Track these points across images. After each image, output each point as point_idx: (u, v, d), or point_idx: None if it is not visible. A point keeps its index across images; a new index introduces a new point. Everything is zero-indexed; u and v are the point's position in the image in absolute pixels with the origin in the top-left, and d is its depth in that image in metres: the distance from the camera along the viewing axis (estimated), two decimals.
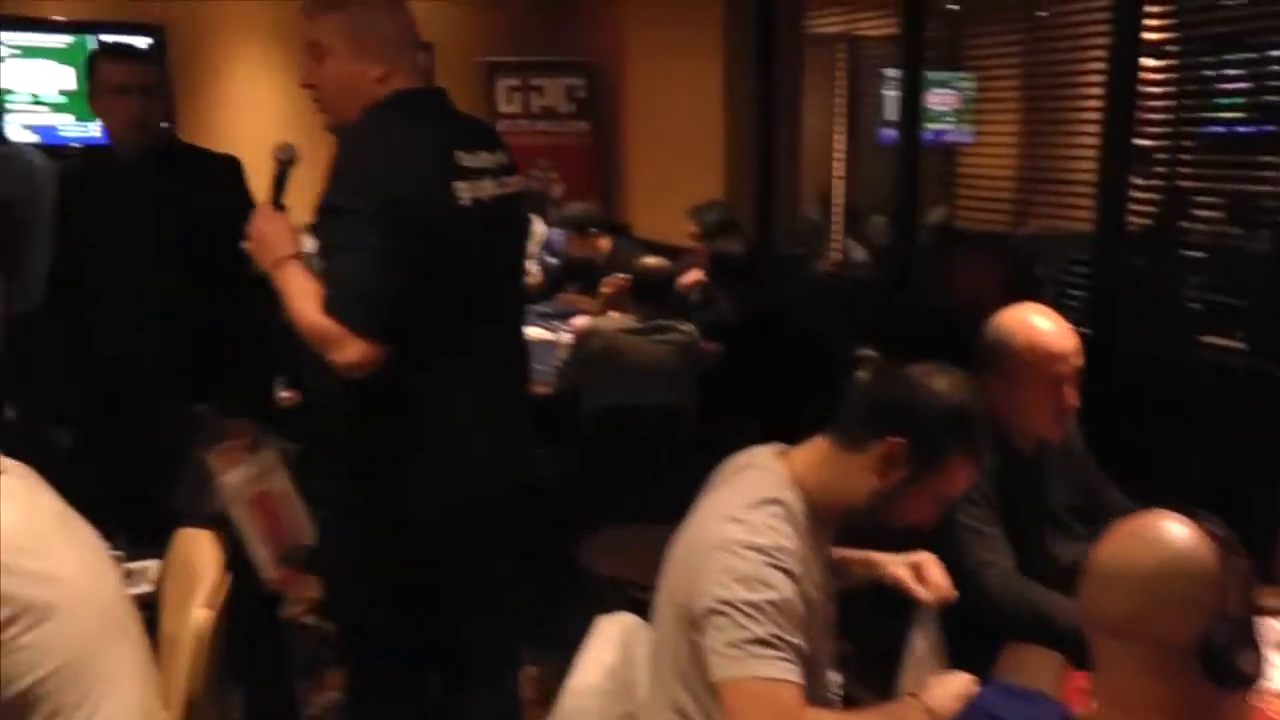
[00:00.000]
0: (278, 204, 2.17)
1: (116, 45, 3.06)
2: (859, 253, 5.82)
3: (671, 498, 3.52)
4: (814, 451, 1.89)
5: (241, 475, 2.69)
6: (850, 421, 1.86)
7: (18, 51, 6.71)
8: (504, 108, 7.80)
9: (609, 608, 2.09)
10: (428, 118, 2.16)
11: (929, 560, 2.02)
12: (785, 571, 1.71)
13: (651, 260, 4.10)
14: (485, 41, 7.93)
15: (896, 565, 2.02)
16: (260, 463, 2.75)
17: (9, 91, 6.53)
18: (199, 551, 2.14)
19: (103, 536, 1.96)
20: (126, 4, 7.03)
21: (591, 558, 3.19)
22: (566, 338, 4.29)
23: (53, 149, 4.96)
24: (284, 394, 3.24)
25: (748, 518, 1.76)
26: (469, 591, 2.40)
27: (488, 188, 2.17)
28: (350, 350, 1.95)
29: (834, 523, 1.90)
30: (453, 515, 2.22)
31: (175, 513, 2.87)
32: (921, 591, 1.97)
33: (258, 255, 2.10)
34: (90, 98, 2.93)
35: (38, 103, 6.64)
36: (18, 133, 6.47)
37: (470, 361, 2.19)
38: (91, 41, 6.78)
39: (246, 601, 2.16)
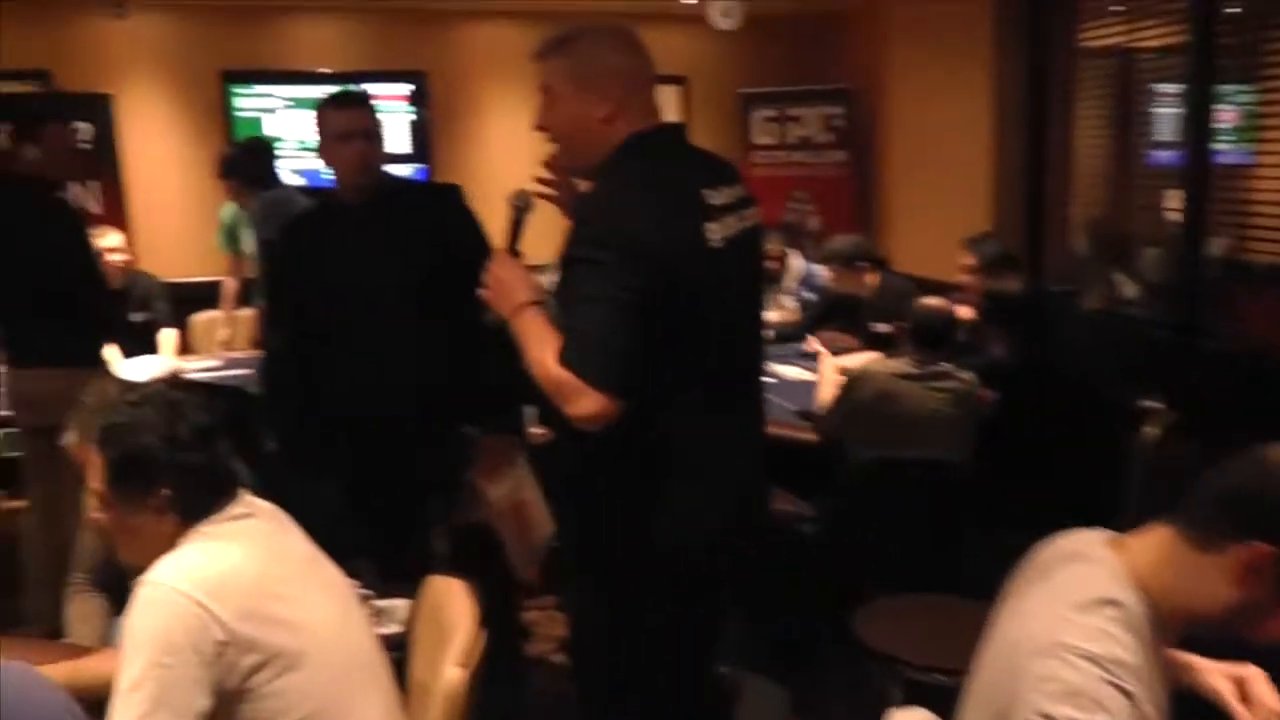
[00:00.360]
0: (514, 250, 2.15)
1: (339, 93, 3.08)
2: (1129, 289, 5.25)
3: (948, 566, 3.21)
4: (1155, 545, 1.58)
5: (504, 489, 2.91)
6: (1202, 515, 1.53)
7: (289, 103, 7.15)
8: (759, 139, 7.64)
9: (881, 685, 1.88)
10: (671, 158, 2.13)
11: (1255, 676, 1.73)
12: (1122, 690, 1.42)
13: (932, 300, 3.75)
14: (740, 72, 7.79)
15: (1217, 676, 1.76)
16: (515, 475, 2.95)
17: (279, 139, 6.89)
18: (452, 601, 2.11)
19: (353, 571, 1.97)
20: (390, 53, 7.33)
21: (863, 629, 2.84)
22: (831, 378, 4.01)
23: (317, 191, 5.22)
24: (536, 430, 3.19)
25: (1081, 620, 1.48)
26: (705, 635, 2.34)
27: (732, 224, 2.10)
28: (585, 403, 1.90)
29: (1178, 632, 1.60)
30: (696, 559, 2.16)
31: (427, 543, 3.11)
32: (1243, 712, 1.70)
33: (495, 302, 2.08)
34: (318, 146, 3.02)
35: (304, 149, 7.00)
36: (288, 176, 6.71)
37: (714, 402, 2.13)
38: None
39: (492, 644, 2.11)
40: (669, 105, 7.70)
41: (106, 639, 2.55)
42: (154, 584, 1.67)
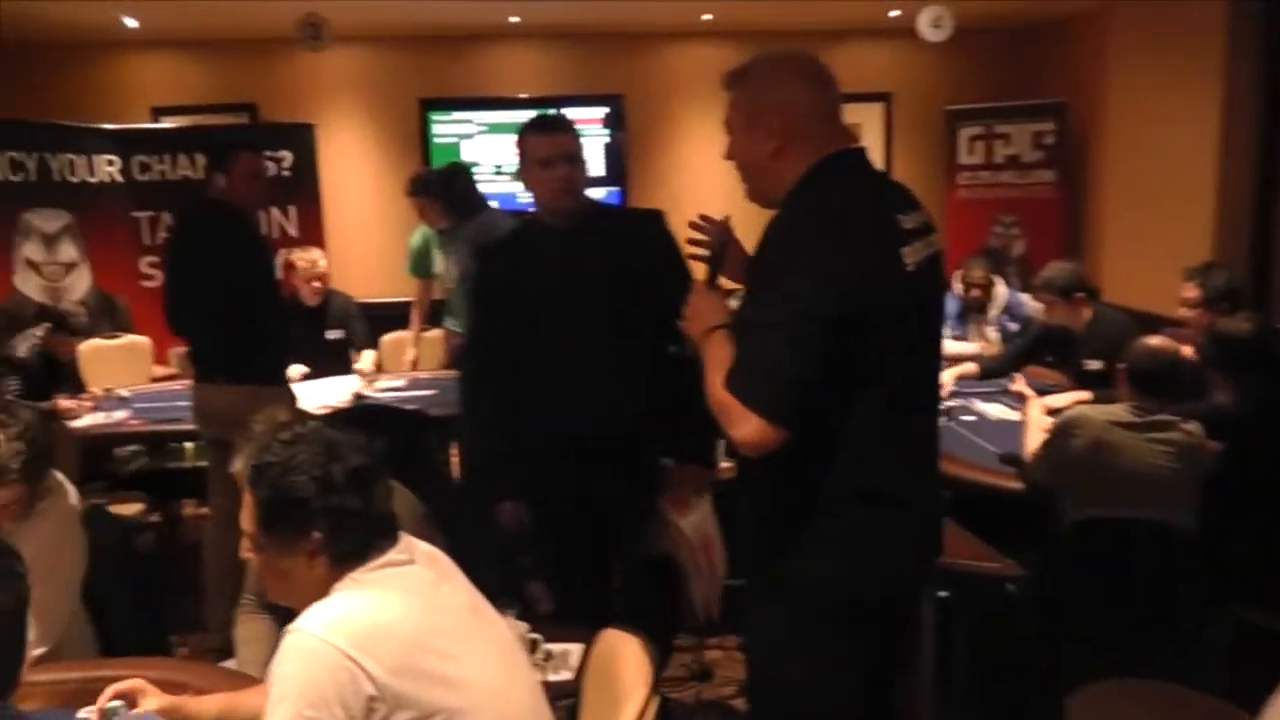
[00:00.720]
0: (713, 283, 2.18)
1: (542, 118, 3.04)
2: None
3: (1171, 643, 2.86)
4: None
5: (693, 521, 2.88)
6: None
7: (484, 128, 7.25)
8: (965, 158, 7.26)
9: None
10: (862, 183, 2.11)
11: None
12: None
13: (1155, 340, 3.35)
14: (947, 87, 7.48)
15: None
16: (703, 508, 2.91)
17: (475, 164, 6.99)
18: (627, 659, 2.00)
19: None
20: (586, 77, 7.35)
21: (1078, 717, 2.50)
22: (1039, 421, 3.68)
23: (519, 214, 5.24)
24: (724, 464, 3.12)
25: None
26: (888, 669, 2.29)
27: (921, 249, 2.05)
28: (746, 428, 1.91)
29: None
30: (884, 595, 2.13)
31: (608, 570, 3.14)
32: None
33: (690, 327, 2.11)
34: (520, 172, 3.02)
35: (499, 173, 7.10)
36: None
37: (901, 431, 2.09)
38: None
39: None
40: (871, 123, 7.48)
41: (269, 660, 2.54)
42: (303, 633, 1.59)
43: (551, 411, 2.95)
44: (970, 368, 4.72)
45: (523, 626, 2.29)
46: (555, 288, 2.92)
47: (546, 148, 2.88)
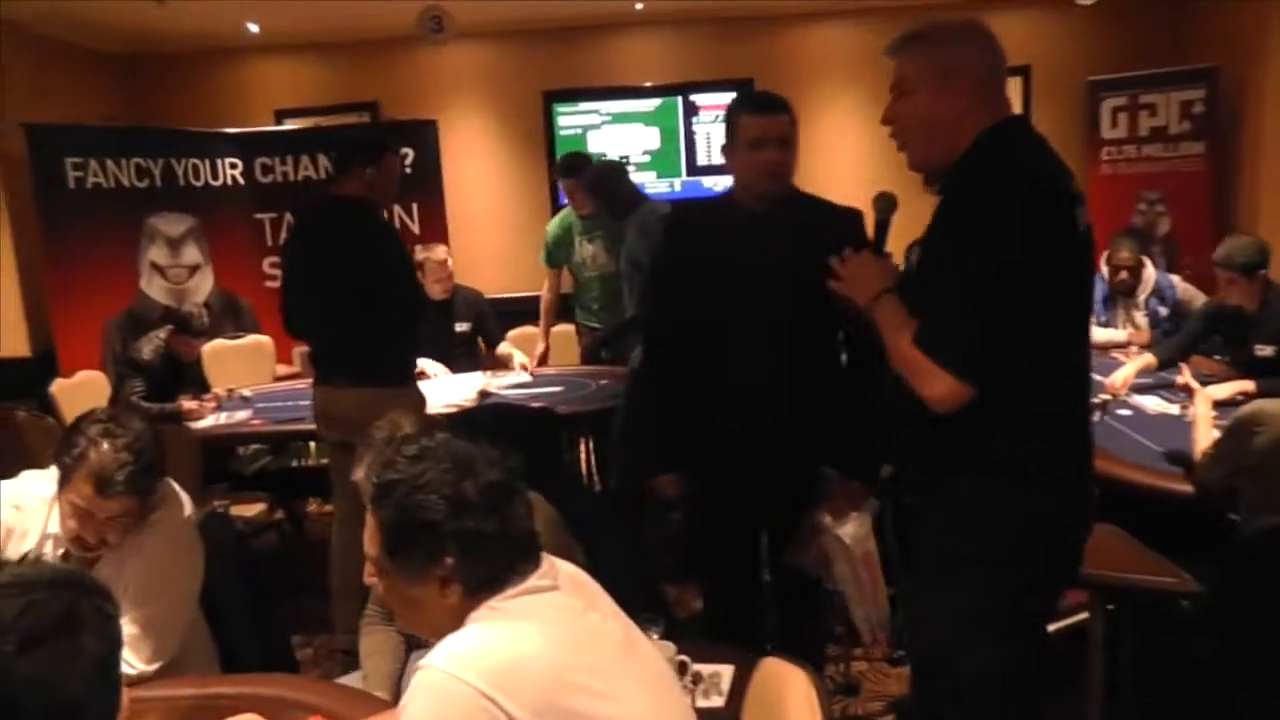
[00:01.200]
0: (879, 251, 2.27)
1: (759, 97, 2.97)
2: None
3: None
4: None
5: (853, 533, 2.81)
6: None
7: (609, 118, 7.11)
8: (1108, 132, 6.87)
9: None
10: (1041, 147, 2.11)
11: None
12: None
13: None
14: (1088, 57, 7.08)
15: None
16: (863, 523, 2.84)
17: (601, 154, 6.88)
18: (792, 691, 1.80)
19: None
20: (714, 61, 7.14)
21: None
22: (1208, 417, 3.28)
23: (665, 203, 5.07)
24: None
25: None
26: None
27: (1083, 215, 2.08)
28: (936, 384, 1.98)
29: None
30: (1065, 570, 2.21)
31: (757, 572, 3.05)
32: None
33: (853, 291, 2.19)
34: (727, 148, 2.92)
35: (625, 163, 6.90)
36: None
37: (1077, 401, 2.17)
38: (679, 103, 7.01)
39: None
40: (1011, 96, 7.07)
41: (398, 675, 2.43)
42: (434, 670, 1.42)
43: (715, 401, 2.88)
44: (1148, 359, 4.27)
45: (670, 648, 2.08)
46: (740, 270, 2.82)
47: (759, 128, 2.79)
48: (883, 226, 2.29)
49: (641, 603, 1.71)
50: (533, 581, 1.52)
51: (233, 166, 6.72)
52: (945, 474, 2.12)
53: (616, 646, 1.56)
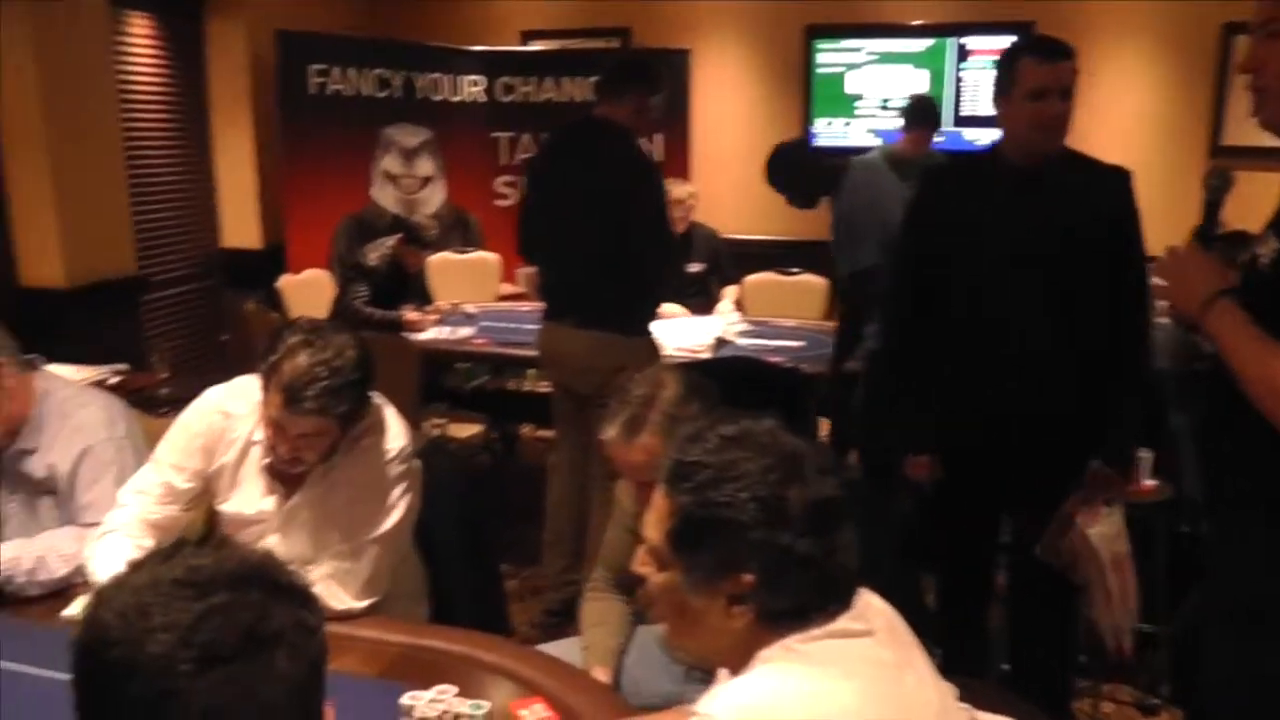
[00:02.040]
0: (1209, 238, 1.84)
1: (1039, 41, 2.71)
2: None
3: None
4: None
5: (1102, 532, 2.59)
6: None
7: (874, 58, 6.57)
8: None
9: None
10: None
11: None
12: None
13: None
14: None
15: None
16: (1114, 521, 2.63)
17: (858, 96, 6.47)
18: None
19: None
20: (992, 4, 6.49)
21: None
22: None
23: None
24: (1148, 483, 3.05)
25: None
26: None
27: None
28: None
29: None
30: None
31: (992, 565, 2.84)
32: None
33: (1177, 296, 1.77)
34: (999, 94, 2.62)
35: (884, 107, 6.45)
36: (861, 136, 6.41)
37: None
38: (951, 45, 6.44)
39: None
40: None
41: (620, 652, 2.15)
42: None
43: (969, 378, 2.65)
44: None
45: (951, 692, 1.66)
46: (1003, 235, 2.58)
47: (1044, 77, 2.51)
48: (1213, 209, 1.89)
49: (907, 614, 1.32)
50: (844, 623, 1.22)
51: (474, 84, 6.61)
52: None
53: (932, 716, 1.23)
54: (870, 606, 1.25)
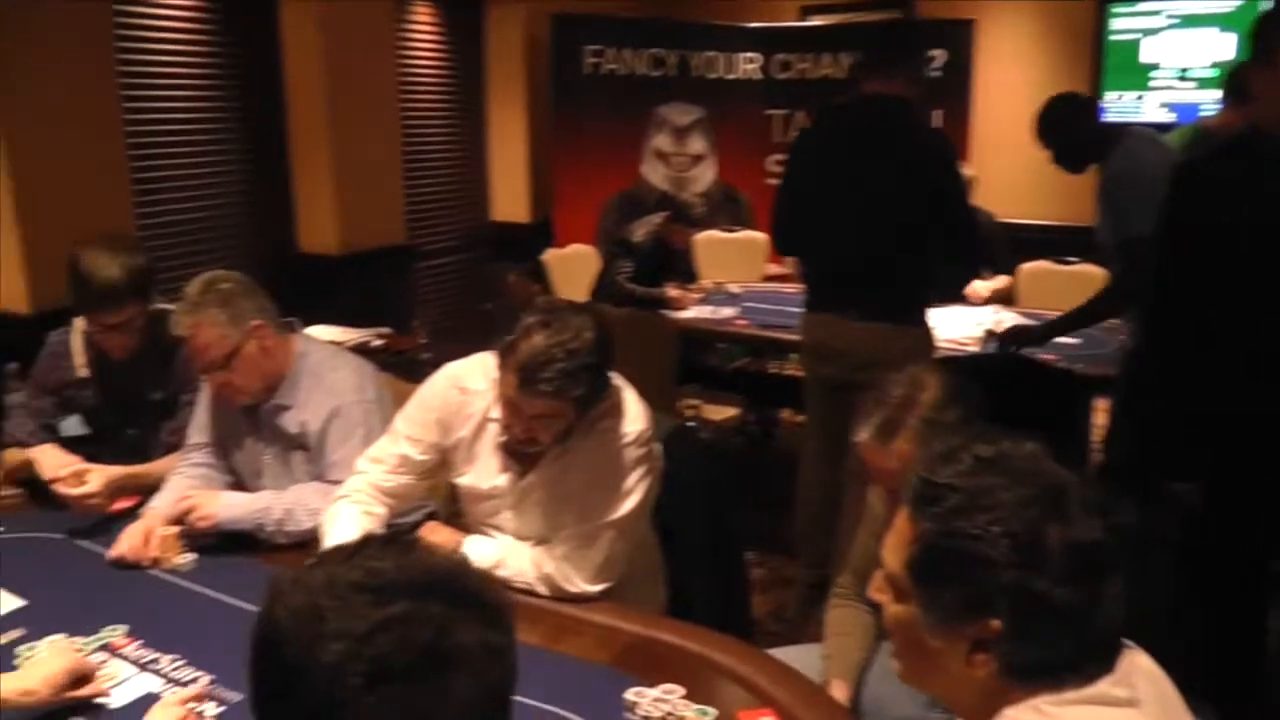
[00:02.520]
0: None
1: None
2: None
3: None
4: None
5: None
6: None
7: (1175, 21, 6.01)
8: None
9: None
10: None
11: None
12: None
13: None
14: None
15: None
16: None
17: (1153, 66, 5.96)
18: None
19: None
20: None
21: None
22: None
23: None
24: None
25: None
26: None
27: None
28: None
29: None
30: None
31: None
32: None
33: None
34: (1252, 64, 2.36)
35: (1182, 77, 5.91)
36: (1155, 111, 5.94)
37: None
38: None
39: None
40: None
41: (863, 666, 2.02)
42: None
43: (1247, 396, 2.34)
44: None
45: None
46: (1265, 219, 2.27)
47: None
48: None
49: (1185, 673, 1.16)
50: (1103, 687, 1.06)
51: (749, 61, 6.55)
52: None
53: None
54: (1137, 669, 1.09)
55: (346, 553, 0.91)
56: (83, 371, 2.63)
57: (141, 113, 4.22)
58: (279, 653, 0.86)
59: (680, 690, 1.59)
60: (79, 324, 2.62)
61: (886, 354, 3.03)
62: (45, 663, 1.62)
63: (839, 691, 1.93)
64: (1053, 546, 1.05)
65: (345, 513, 2.07)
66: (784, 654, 1.95)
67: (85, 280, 2.42)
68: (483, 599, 0.89)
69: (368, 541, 0.94)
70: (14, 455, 2.59)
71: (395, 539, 0.95)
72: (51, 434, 2.61)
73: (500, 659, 0.88)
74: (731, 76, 6.53)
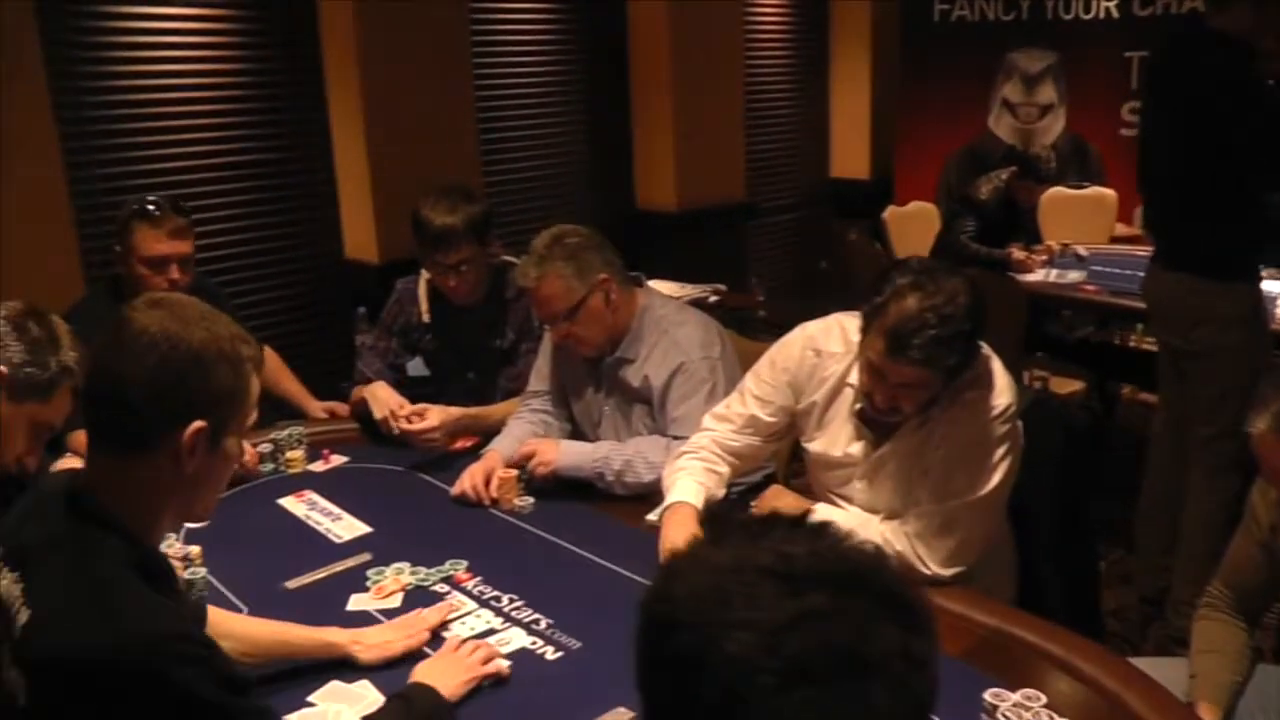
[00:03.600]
0: None
1: None
2: None
3: None
4: None
5: None
6: None
7: None
8: None
9: None
10: None
11: None
12: None
13: None
14: None
15: None
16: None
17: None
18: None
19: None
20: None
21: None
22: None
23: None
24: None
25: None
26: None
27: None
28: None
29: None
30: None
31: None
32: None
33: None
34: None
35: None
36: None
37: None
38: None
39: None
40: None
41: (1236, 690, 1.77)
42: None
43: None
44: None
45: None
46: None
47: None
48: None
49: None
50: None
51: None
52: None
53: None
54: None
55: (753, 532, 0.81)
56: (425, 317, 2.79)
57: (490, 73, 4.40)
58: (673, 638, 0.76)
59: (1042, 698, 1.48)
60: (424, 274, 2.79)
61: (1209, 313, 2.88)
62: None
63: (1208, 716, 1.72)
64: None
65: (690, 469, 2.06)
66: (1145, 664, 1.77)
67: (423, 225, 2.63)
68: (907, 599, 0.78)
69: (774, 521, 0.83)
70: (357, 391, 2.76)
71: (804, 522, 0.83)
72: (398, 373, 2.79)
73: (923, 669, 0.77)
74: (1089, 16, 6.05)
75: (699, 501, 1.99)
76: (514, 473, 2.26)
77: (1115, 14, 6.07)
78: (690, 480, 2.03)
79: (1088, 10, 6.07)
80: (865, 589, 0.76)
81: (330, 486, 2.37)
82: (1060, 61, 6.05)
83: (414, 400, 2.59)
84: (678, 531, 1.88)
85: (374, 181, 3.97)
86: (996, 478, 1.88)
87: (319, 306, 4.11)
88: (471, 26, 4.23)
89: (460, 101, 4.18)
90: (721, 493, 2.08)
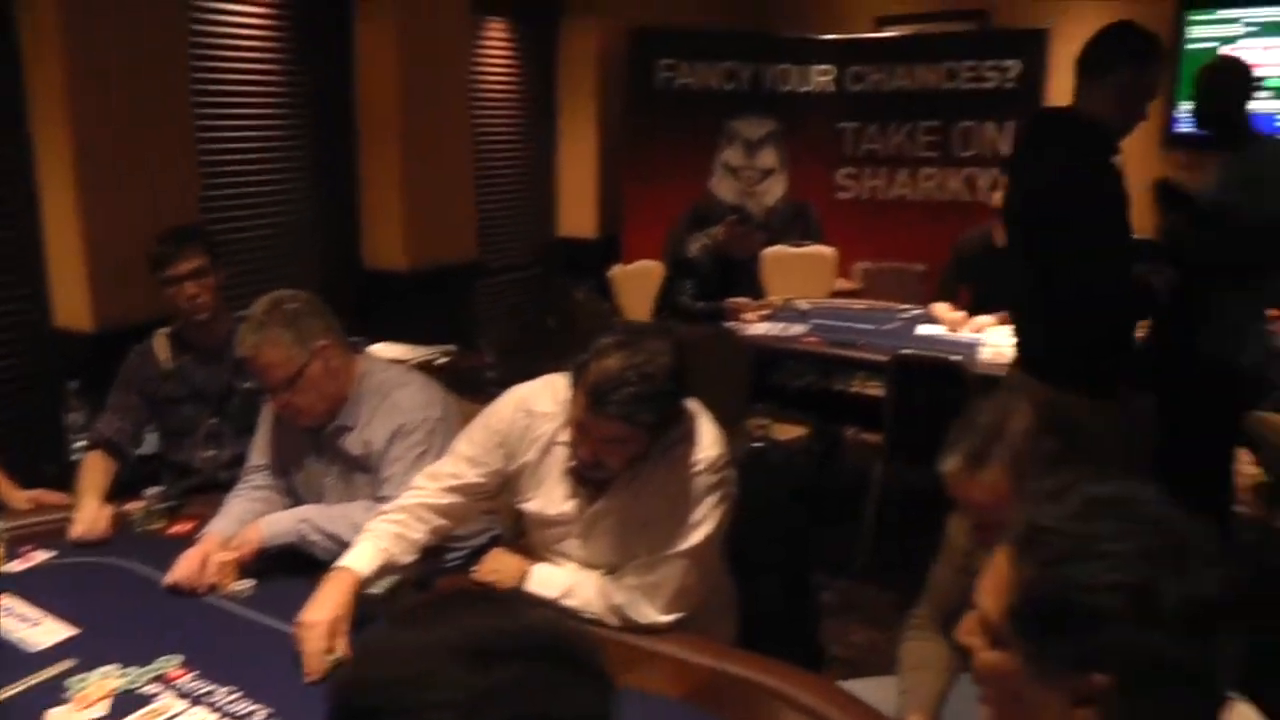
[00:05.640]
0: None
1: None
2: None
3: None
4: None
5: None
6: None
7: (1254, 29, 5.93)
8: None
9: None
10: None
11: None
12: None
13: None
14: None
15: None
16: None
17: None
18: None
19: None
20: None
21: None
22: None
23: None
24: None
25: None
26: None
27: None
28: None
29: None
30: None
31: None
32: None
33: None
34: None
35: (1268, 87, 5.76)
36: None
37: None
38: None
39: None
40: None
41: (939, 697, 1.86)
42: None
43: None
44: None
45: None
46: None
47: None
48: None
49: None
50: None
51: (823, 74, 6.48)
52: None
53: None
54: None
55: (435, 609, 0.84)
56: (169, 365, 2.80)
57: (212, 123, 4.19)
58: None
59: None
60: (159, 331, 2.83)
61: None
62: None
63: None
64: (1168, 601, 0.95)
65: (375, 533, 2.02)
66: (858, 687, 1.86)
67: (153, 250, 2.80)
68: (590, 664, 0.82)
69: (458, 598, 0.87)
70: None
71: (490, 595, 0.86)
72: (136, 439, 2.79)
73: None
74: (805, 89, 6.46)
75: (370, 569, 1.94)
76: (232, 555, 2.15)
77: (830, 88, 6.47)
78: (370, 544, 1.97)
79: (804, 83, 6.46)
80: (551, 657, 0.80)
81: (31, 587, 2.13)
82: (780, 129, 6.38)
83: (141, 478, 2.54)
84: (321, 605, 1.82)
85: (87, 240, 3.65)
86: (707, 527, 1.94)
87: (20, 382, 3.77)
88: (192, 84, 4.02)
89: (179, 157, 3.94)
90: (409, 558, 2.03)
